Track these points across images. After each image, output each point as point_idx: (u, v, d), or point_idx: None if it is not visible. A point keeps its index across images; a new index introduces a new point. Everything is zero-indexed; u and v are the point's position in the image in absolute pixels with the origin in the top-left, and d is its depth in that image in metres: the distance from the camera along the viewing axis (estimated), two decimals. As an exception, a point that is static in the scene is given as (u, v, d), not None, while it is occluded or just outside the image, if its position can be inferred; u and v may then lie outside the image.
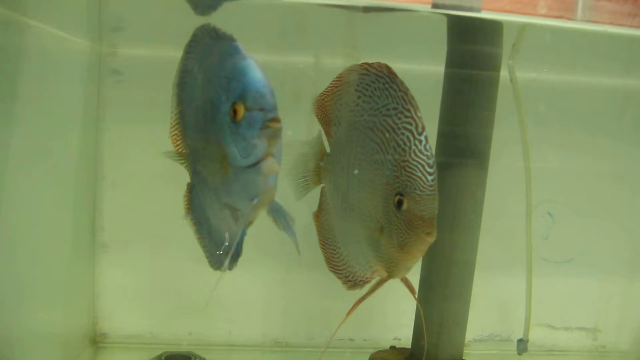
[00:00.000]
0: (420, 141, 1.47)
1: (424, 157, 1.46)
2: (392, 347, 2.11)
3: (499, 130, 2.06)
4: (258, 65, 1.37)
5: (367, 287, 1.72)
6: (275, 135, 1.33)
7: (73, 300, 2.31)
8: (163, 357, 2.26)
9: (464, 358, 2.00)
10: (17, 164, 1.77)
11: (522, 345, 2.38)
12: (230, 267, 1.56)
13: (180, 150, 1.67)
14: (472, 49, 1.83)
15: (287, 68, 2.29)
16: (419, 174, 1.46)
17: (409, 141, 1.48)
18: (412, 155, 1.47)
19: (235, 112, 1.34)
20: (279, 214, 1.44)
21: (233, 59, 1.39)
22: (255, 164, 1.34)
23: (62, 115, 2.09)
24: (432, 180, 1.46)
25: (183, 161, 1.66)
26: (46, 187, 1.98)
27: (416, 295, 1.74)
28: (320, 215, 1.85)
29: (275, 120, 1.32)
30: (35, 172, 1.88)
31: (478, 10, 1.66)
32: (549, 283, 2.53)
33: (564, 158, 2.53)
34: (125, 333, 2.45)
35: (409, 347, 2.05)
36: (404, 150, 1.48)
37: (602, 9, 1.53)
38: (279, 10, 2.02)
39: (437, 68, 1.89)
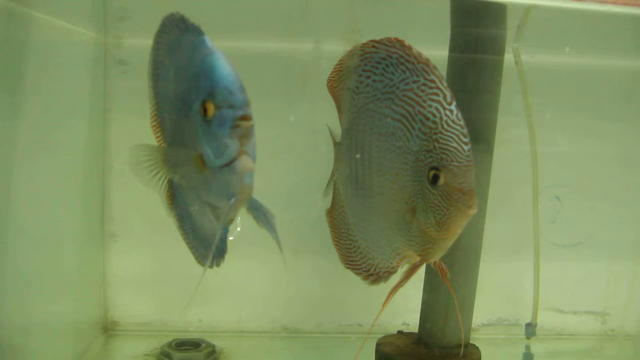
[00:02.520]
0: (452, 111, 1.40)
1: (458, 127, 1.40)
2: (400, 332, 2.12)
3: (507, 114, 2.07)
4: (227, 59, 1.33)
5: (393, 277, 1.66)
6: (247, 133, 1.29)
7: (84, 289, 2.34)
8: (173, 344, 2.29)
9: (471, 342, 2.02)
10: (25, 155, 1.79)
11: (531, 329, 2.39)
12: (218, 264, 1.55)
13: (160, 142, 1.64)
14: (475, 32, 1.80)
15: (292, 54, 2.29)
16: (455, 145, 1.38)
17: (439, 112, 1.40)
18: (445, 126, 1.39)
19: (205, 110, 1.30)
20: (258, 212, 1.42)
21: (201, 53, 1.35)
22: (230, 163, 1.30)
23: (70, 106, 2.11)
24: (468, 150, 1.39)
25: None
26: (55, 177, 2.00)
27: (448, 279, 1.65)
28: (333, 210, 1.79)
29: (246, 117, 1.28)
30: (44, 163, 1.90)
31: None
32: (558, 267, 2.54)
33: (571, 141, 2.52)
34: (136, 321, 2.48)
35: (417, 331, 2.06)
36: (434, 122, 1.40)
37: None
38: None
39: (440, 52, 1.85)
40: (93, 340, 2.37)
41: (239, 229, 1.50)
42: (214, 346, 2.32)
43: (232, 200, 1.34)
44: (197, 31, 1.40)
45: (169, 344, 2.29)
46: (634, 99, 2.51)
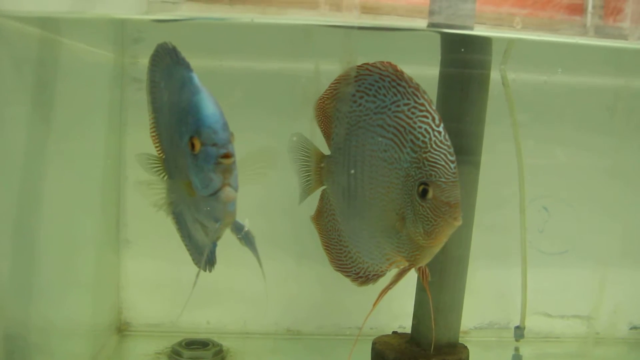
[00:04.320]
0: (440, 132, 1.52)
1: (445, 147, 1.52)
2: (394, 332, 2.24)
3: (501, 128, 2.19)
4: (212, 98, 1.45)
5: (381, 280, 1.77)
6: (229, 168, 1.43)
7: (100, 292, 2.45)
8: (183, 343, 2.41)
9: (460, 342, 2.14)
10: (50, 165, 1.90)
11: (519, 332, 2.49)
12: (210, 270, 1.71)
13: (159, 152, 1.76)
14: (463, 57, 1.93)
15: (297, 74, 2.44)
16: (443, 163, 1.51)
17: (428, 133, 1.52)
18: (434, 145, 1.51)
19: (193, 145, 1.44)
20: (240, 232, 1.58)
21: (189, 91, 1.47)
22: (214, 194, 1.44)
23: (90, 120, 2.23)
24: (455, 167, 1.52)
25: (159, 165, 1.72)
26: (76, 187, 2.11)
27: (428, 283, 1.76)
28: (320, 217, 1.89)
29: (227, 155, 1.42)
30: (66, 173, 2.01)
31: (471, 28, 1.76)
32: (546, 274, 2.64)
33: (558, 154, 2.65)
34: (148, 322, 2.60)
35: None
36: (424, 142, 1.53)
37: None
38: (284, 28, 2.18)
39: (431, 71, 1.98)
40: (108, 340, 2.48)
41: (246, 229, 1.65)
42: (221, 346, 2.43)
43: (218, 224, 1.51)
44: (187, 67, 1.51)
45: (179, 344, 2.41)
46: (617, 113, 2.64)
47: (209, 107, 1.43)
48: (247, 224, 1.63)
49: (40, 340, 1.90)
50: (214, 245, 1.66)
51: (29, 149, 1.79)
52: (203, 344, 2.44)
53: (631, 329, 2.79)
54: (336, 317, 2.67)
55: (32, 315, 1.84)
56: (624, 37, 1.69)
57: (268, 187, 2.34)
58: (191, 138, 1.44)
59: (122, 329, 2.60)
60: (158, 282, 2.56)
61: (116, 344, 2.52)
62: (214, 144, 1.42)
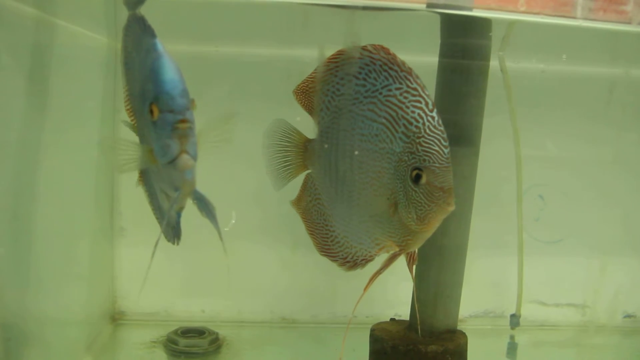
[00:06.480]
0: (433, 117, 1.51)
1: (439, 132, 1.50)
2: (392, 319, 2.24)
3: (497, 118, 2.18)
4: (173, 63, 1.42)
5: (371, 265, 1.74)
6: (185, 134, 1.41)
7: (95, 281, 2.45)
8: (179, 332, 2.41)
9: (458, 329, 2.15)
10: (44, 153, 1.88)
11: (515, 320, 2.52)
12: (177, 243, 1.69)
13: (134, 124, 1.74)
14: (463, 42, 1.92)
15: (293, 60, 2.40)
16: (437, 148, 1.50)
17: (421, 118, 1.51)
18: (427, 130, 1.50)
19: (152, 112, 1.43)
20: (201, 203, 1.55)
21: (151, 57, 1.45)
22: (172, 161, 1.43)
23: (84, 107, 2.21)
24: (448, 152, 1.51)
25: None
26: (70, 175, 2.09)
27: (414, 268, 1.73)
28: (303, 202, 1.86)
29: (184, 121, 1.40)
30: (60, 161, 2.00)
31: (470, 9, 1.75)
32: (541, 262, 2.66)
33: (555, 143, 2.66)
34: (142, 311, 2.59)
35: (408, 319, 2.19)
36: (417, 127, 1.51)
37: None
38: (281, 8, 2.15)
39: (430, 59, 1.96)
40: (102, 329, 2.47)
41: (233, 222, 1.62)
42: (217, 334, 2.44)
43: (177, 192, 1.49)
44: (151, 34, 1.49)
45: (175, 332, 2.41)
46: (612, 103, 2.65)
47: (168, 72, 1.41)
48: (234, 217, 1.60)
49: (36, 330, 1.89)
50: (178, 215, 1.63)
51: (24, 138, 1.77)
52: (199, 332, 2.43)
53: (625, 317, 2.81)
54: (331, 305, 2.68)
55: (28, 304, 1.83)
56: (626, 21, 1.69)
57: (262, 175, 2.33)
58: (150, 105, 1.42)
59: (116, 318, 2.59)
60: (153, 270, 2.53)
61: (111, 333, 2.52)
62: (171, 110, 1.40)
